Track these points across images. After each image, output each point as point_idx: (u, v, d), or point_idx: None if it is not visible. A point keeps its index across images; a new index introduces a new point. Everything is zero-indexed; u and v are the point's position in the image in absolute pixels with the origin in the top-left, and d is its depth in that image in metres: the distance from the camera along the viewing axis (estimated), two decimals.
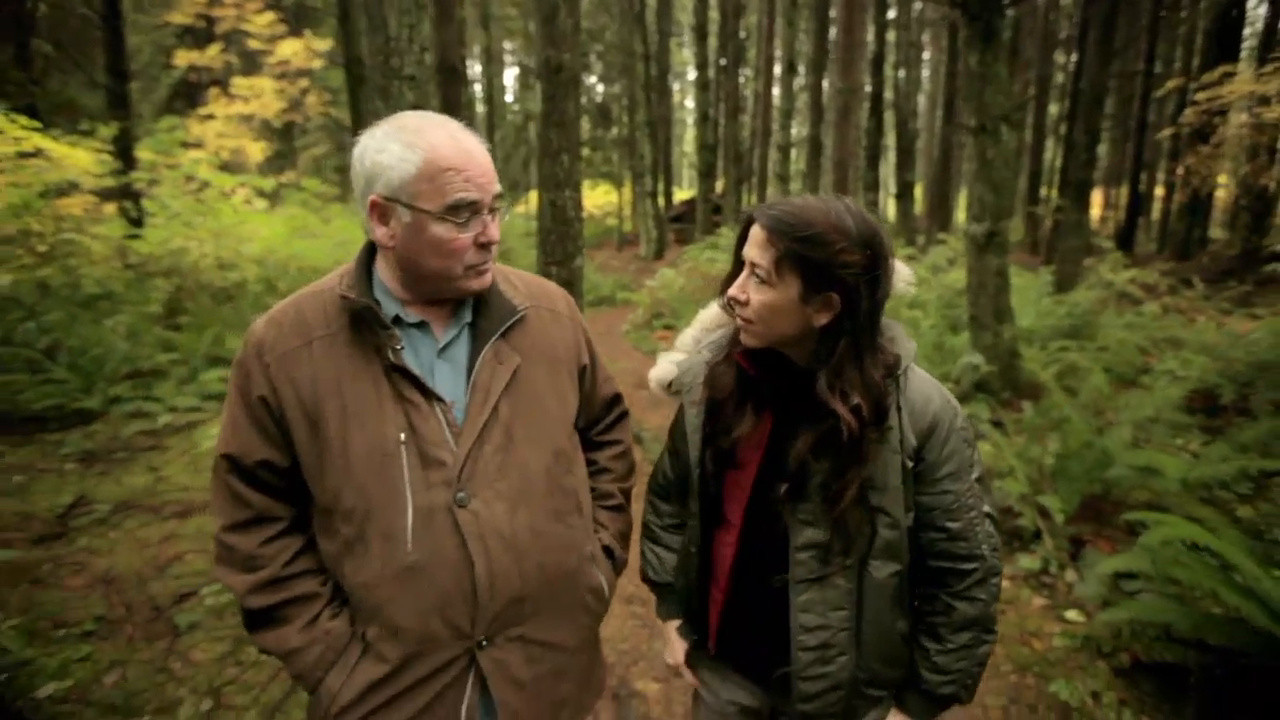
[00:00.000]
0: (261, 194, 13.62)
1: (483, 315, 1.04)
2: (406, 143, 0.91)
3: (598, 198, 26.49)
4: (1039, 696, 2.22)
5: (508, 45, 28.07)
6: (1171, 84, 13.09)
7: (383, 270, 1.02)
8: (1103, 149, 24.06)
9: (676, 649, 1.25)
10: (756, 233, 0.96)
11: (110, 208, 11.47)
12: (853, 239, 0.92)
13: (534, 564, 1.01)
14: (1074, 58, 16.68)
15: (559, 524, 1.05)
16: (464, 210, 0.93)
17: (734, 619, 1.12)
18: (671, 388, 1.18)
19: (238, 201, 12.84)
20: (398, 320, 1.00)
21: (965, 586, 1.02)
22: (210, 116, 16.63)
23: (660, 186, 21.19)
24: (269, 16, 17.70)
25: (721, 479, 1.09)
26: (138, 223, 10.92)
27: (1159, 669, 2.23)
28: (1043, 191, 20.32)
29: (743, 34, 17.33)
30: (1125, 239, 15.35)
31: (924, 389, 1.01)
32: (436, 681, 0.98)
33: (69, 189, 11.00)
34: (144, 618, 2.55)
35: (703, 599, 1.17)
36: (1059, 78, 20.89)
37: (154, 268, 10.02)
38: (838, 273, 0.92)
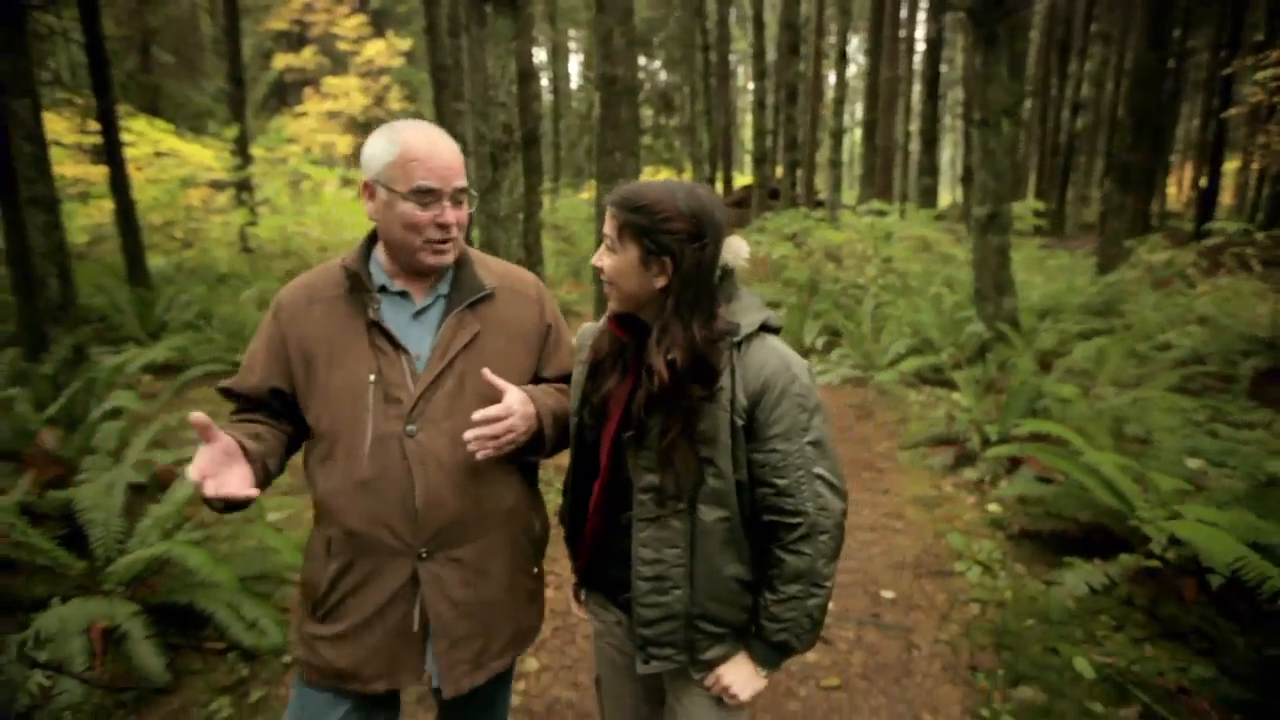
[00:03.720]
0: (348, 183, 15.16)
1: (456, 289, 1.24)
2: (389, 138, 1.14)
3: None
4: (942, 547, 3.05)
5: (572, 33, 29.05)
6: (1238, 62, 12.81)
7: (379, 250, 1.25)
8: (1196, 124, 23.05)
9: (569, 583, 1.44)
10: (608, 209, 1.13)
11: (222, 198, 13.20)
12: (680, 210, 1.07)
13: (470, 494, 1.18)
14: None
15: (497, 465, 1.20)
16: (425, 194, 1.13)
17: (596, 553, 1.27)
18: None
19: (332, 191, 14.41)
20: (384, 289, 1.22)
21: (792, 540, 1.11)
22: (304, 114, 18.45)
23: (720, 172, 21.82)
24: (357, 19, 19.27)
25: (598, 430, 1.22)
26: (252, 211, 12.56)
27: (1038, 535, 3.03)
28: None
29: (802, 18, 17.71)
30: (1202, 219, 15.08)
31: (761, 356, 1.10)
32: (387, 581, 1.16)
33: (195, 183, 12.75)
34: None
35: (579, 537, 1.31)
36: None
37: (270, 250, 11.60)
38: (664, 239, 1.06)
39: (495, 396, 1.17)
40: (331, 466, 1.15)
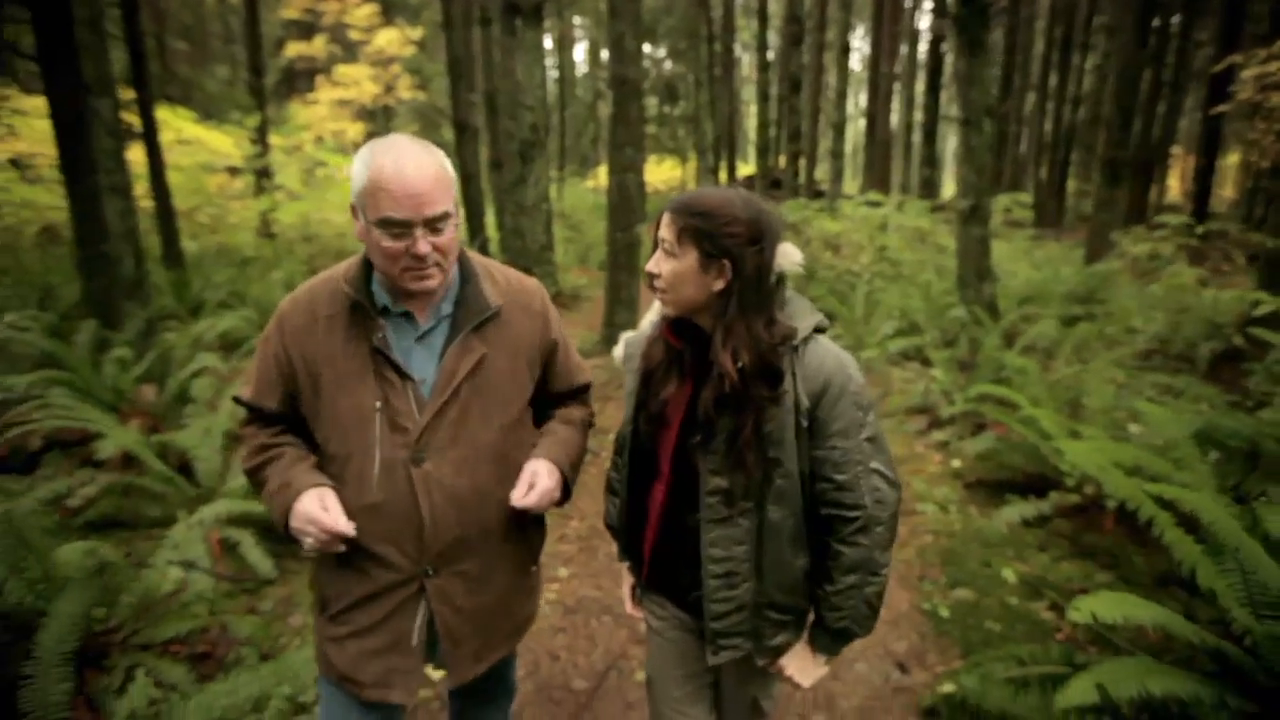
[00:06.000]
0: None
1: (461, 309, 1.21)
2: (365, 162, 1.08)
3: (663, 172, 27.61)
4: (908, 493, 3.57)
5: (577, 20, 29.29)
6: (1229, 59, 13.16)
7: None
8: (1199, 117, 23.38)
9: (625, 583, 1.50)
10: (665, 216, 1.14)
11: (239, 184, 13.69)
12: (738, 215, 1.09)
13: (474, 516, 1.21)
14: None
15: (500, 487, 1.22)
16: (391, 225, 1.07)
17: (661, 554, 1.30)
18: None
19: (345, 178, 14.90)
20: (386, 310, 1.18)
21: (850, 532, 1.14)
22: (315, 101, 18.89)
23: (724, 162, 22.21)
24: (369, 9, 19.62)
25: (656, 436, 1.26)
26: (273, 198, 13.06)
27: (989, 483, 3.55)
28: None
29: (805, 10, 18.03)
30: (1198, 211, 15.51)
31: (819, 357, 1.13)
32: (395, 595, 1.19)
33: (212, 169, 13.26)
34: None
35: (639, 540, 1.34)
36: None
37: (291, 235, 12.10)
38: (725, 242, 1.09)
39: (501, 418, 1.24)
40: (341, 487, 1.16)
